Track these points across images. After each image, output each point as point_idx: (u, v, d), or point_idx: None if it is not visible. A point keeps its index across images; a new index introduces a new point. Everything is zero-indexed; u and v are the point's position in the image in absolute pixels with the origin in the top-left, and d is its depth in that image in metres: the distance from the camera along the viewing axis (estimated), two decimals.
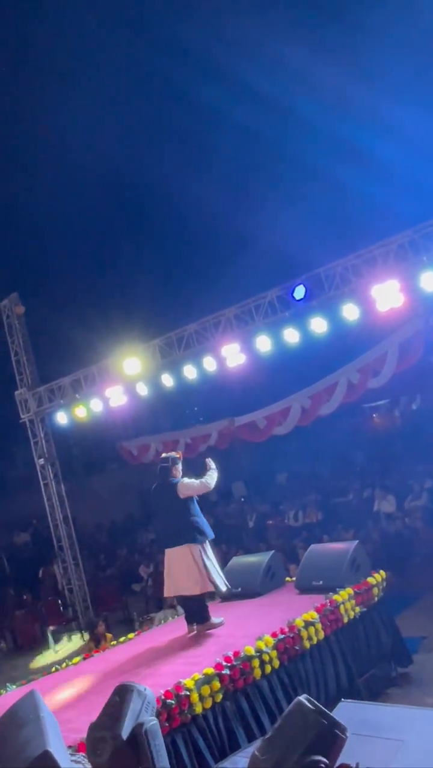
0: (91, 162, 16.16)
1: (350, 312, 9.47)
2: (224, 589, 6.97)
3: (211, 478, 7.13)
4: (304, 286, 9.76)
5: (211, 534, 7.11)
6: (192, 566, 6.84)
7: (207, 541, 7.03)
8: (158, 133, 16.94)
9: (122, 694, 2.60)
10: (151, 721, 2.51)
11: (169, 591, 7.20)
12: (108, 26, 15.55)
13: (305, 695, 2.43)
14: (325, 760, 2.31)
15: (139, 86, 16.00)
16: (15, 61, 15.63)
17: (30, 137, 16.42)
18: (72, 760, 3.15)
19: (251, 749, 4.41)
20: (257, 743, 2.43)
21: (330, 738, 2.37)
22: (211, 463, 7.28)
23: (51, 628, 12.83)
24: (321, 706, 2.40)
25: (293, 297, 9.87)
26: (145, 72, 15.59)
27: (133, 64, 15.63)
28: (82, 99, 16.01)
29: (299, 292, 9.79)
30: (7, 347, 14.11)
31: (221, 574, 7.10)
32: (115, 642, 7.85)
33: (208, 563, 6.91)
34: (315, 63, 13.94)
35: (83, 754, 3.79)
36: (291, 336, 10.19)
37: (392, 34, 14.01)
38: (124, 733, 2.43)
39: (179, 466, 7.24)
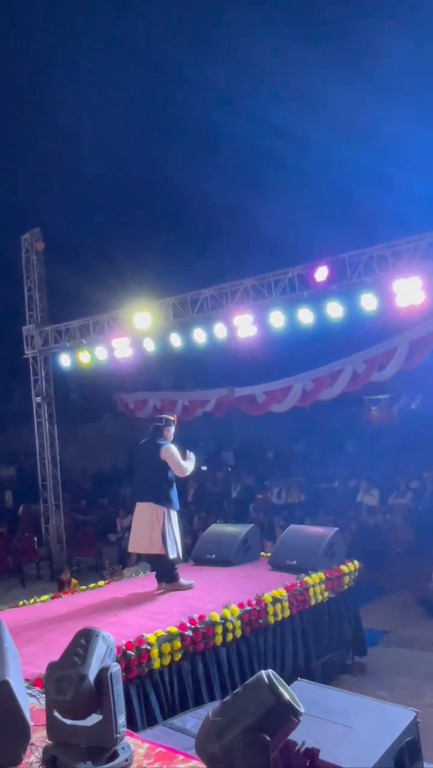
0: (121, 124, 16.68)
1: (369, 302, 9.42)
2: (173, 555, 6.96)
3: (189, 465, 7.13)
4: (327, 268, 9.69)
5: (177, 505, 7.13)
6: (155, 525, 6.89)
7: (173, 510, 7.05)
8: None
9: (87, 637, 2.64)
10: (115, 666, 2.57)
11: (132, 547, 7.30)
12: (119, 19, 16.45)
13: (270, 670, 2.45)
14: (267, 738, 2.32)
15: (156, 69, 16.65)
16: (43, 53, 17.39)
17: (66, 99, 17.66)
18: (27, 693, 3.21)
19: (202, 711, 4.50)
20: (214, 705, 2.46)
21: (279, 718, 2.37)
22: (191, 454, 7.24)
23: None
24: (284, 684, 2.42)
25: (314, 277, 9.81)
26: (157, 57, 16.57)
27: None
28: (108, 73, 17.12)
29: (321, 273, 9.72)
30: (22, 281, 14.07)
31: (178, 542, 7.05)
32: (84, 587, 7.93)
33: (168, 527, 6.93)
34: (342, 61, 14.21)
35: (39, 689, 3.87)
36: (306, 316, 10.15)
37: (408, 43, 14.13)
38: (90, 675, 2.48)
39: (172, 430, 7.26)
